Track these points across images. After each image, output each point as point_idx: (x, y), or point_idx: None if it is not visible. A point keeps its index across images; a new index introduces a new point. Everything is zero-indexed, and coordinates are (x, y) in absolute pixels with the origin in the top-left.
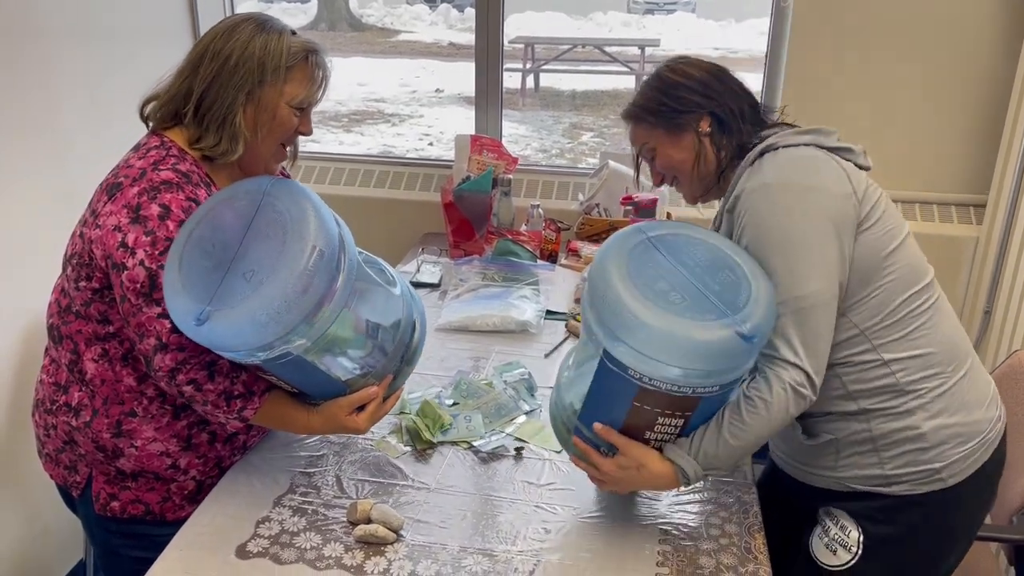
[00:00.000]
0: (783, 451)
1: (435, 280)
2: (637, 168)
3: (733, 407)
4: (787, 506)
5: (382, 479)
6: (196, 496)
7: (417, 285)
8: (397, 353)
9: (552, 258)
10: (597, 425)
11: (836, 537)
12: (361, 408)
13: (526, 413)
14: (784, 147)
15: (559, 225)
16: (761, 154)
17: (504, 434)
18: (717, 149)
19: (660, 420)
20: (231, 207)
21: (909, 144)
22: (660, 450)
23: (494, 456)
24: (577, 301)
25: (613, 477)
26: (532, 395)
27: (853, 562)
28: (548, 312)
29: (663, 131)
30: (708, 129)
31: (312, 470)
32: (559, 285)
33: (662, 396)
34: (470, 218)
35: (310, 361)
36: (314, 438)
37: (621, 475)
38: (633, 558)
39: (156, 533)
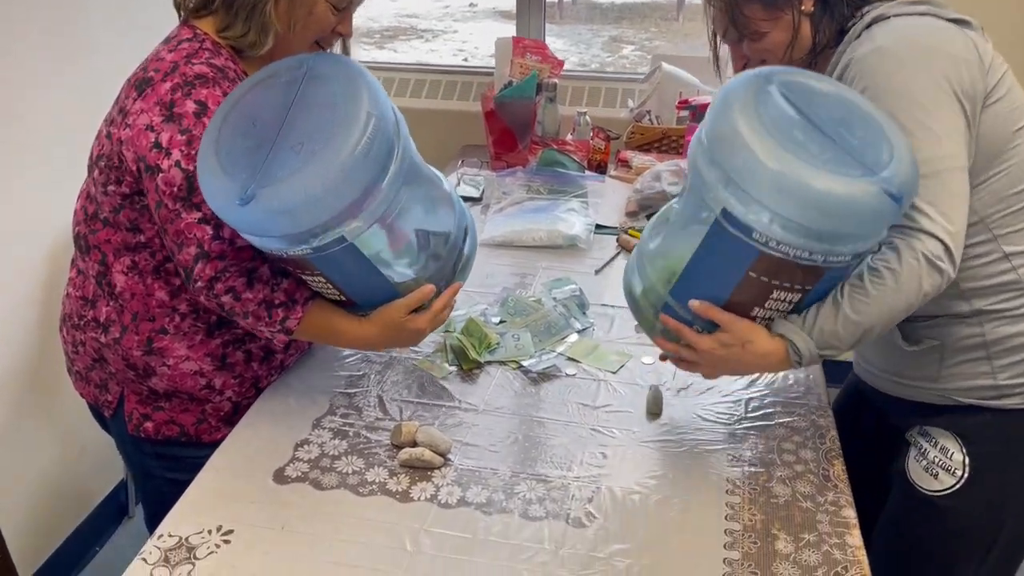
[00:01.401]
0: (874, 363)
1: (476, 194)
2: (715, 52)
3: (855, 280)
4: (871, 430)
5: (427, 400)
6: (232, 418)
7: None
8: (449, 260)
9: (601, 169)
10: (695, 302)
11: (936, 460)
12: (418, 311)
13: (578, 331)
14: (896, 16)
15: (608, 134)
16: (869, 25)
17: (555, 353)
18: (815, 31)
19: (775, 295)
20: (270, 86)
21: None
22: (768, 328)
23: (545, 376)
24: (629, 214)
25: (712, 356)
26: (584, 313)
27: (958, 486)
28: (598, 226)
29: (760, 6)
30: (811, 8)
31: (353, 390)
32: (609, 198)
33: (785, 265)
34: (513, 127)
35: (364, 255)
36: (354, 356)
37: (722, 353)
38: (700, 485)
39: (192, 455)
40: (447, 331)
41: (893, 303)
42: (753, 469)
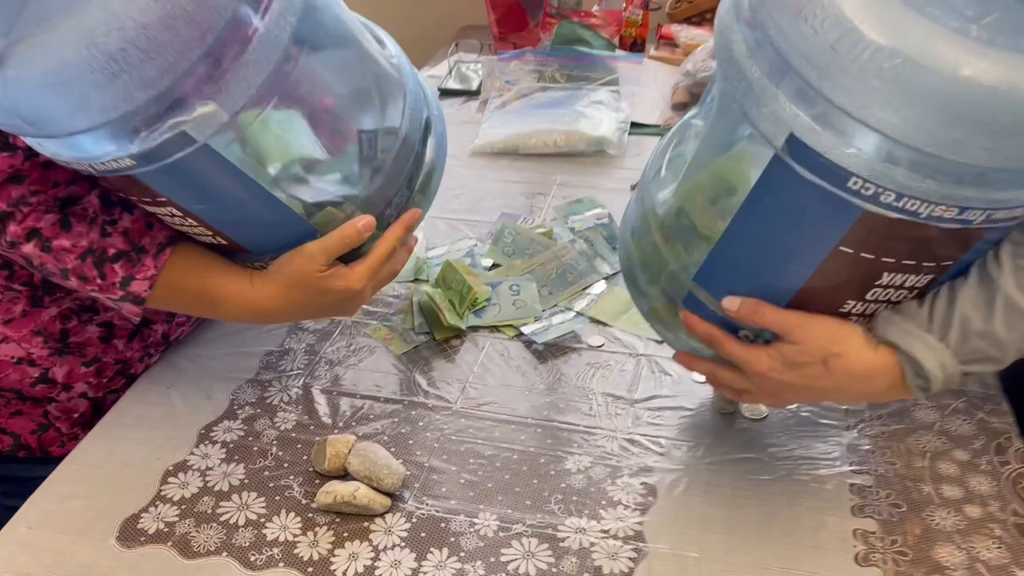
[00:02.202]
0: None
1: (472, 85)
2: None
3: (1022, 242)
4: None
5: (376, 394)
6: (93, 420)
7: (447, 93)
8: (399, 173)
9: (638, 48)
10: (733, 299)
11: None
12: (347, 258)
13: (606, 278)
14: None
15: (647, 1)
16: None
17: (573, 313)
18: None
19: (886, 278)
20: None
21: None
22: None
23: (557, 350)
24: (677, 107)
25: (771, 382)
26: (615, 249)
27: None
28: (634, 124)
29: None
30: None
31: (268, 376)
32: (648, 86)
33: (908, 229)
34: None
35: (233, 164)
36: (274, 324)
37: (788, 378)
38: (809, 548)
39: (37, 475)
40: (416, 280)
41: None
42: (894, 511)
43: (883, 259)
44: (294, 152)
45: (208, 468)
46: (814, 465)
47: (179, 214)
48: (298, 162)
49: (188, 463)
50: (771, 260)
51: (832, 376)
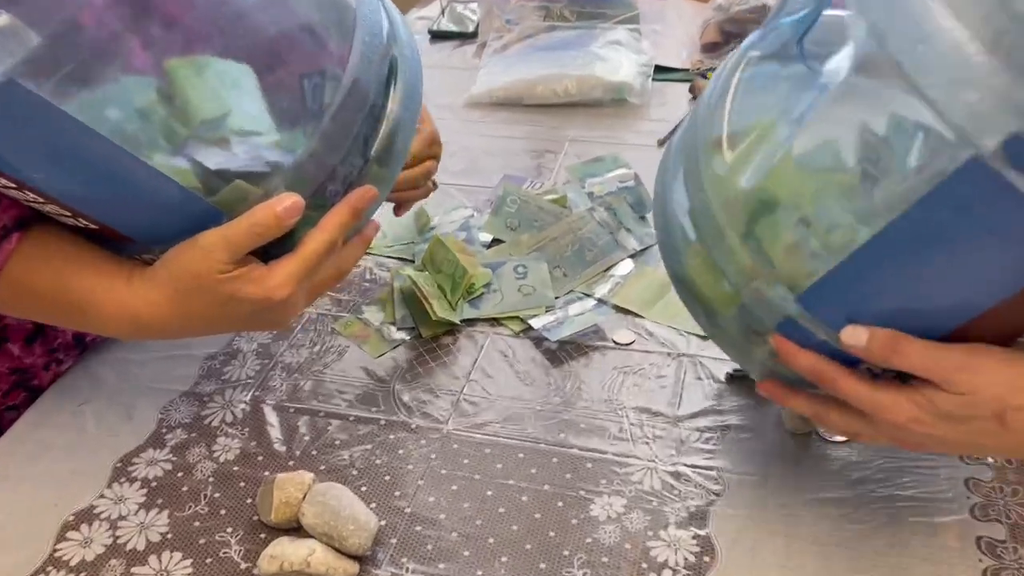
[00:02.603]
0: None
1: (468, 27)
2: None
3: None
4: None
5: (344, 411)
6: None
7: (438, 36)
8: (347, 130)
9: None
10: (860, 335)
11: None
12: (270, 253)
13: (633, 256)
14: None
15: None
16: None
17: (594, 302)
18: None
19: None
20: None
21: None
22: None
23: (575, 349)
24: (707, 48)
25: (911, 435)
26: (643, 218)
27: None
28: (657, 68)
29: None
30: None
31: (208, 387)
32: (673, 23)
33: None
34: None
35: (72, 113)
36: None
37: (941, 432)
38: None
39: None
40: (400, 259)
41: None
42: None
43: None
44: (183, 96)
45: (121, 517)
46: (924, 509)
47: (12, 185)
48: (192, 121)
49: (95, 510)
50: (934, 287)
51: (1011, 434)
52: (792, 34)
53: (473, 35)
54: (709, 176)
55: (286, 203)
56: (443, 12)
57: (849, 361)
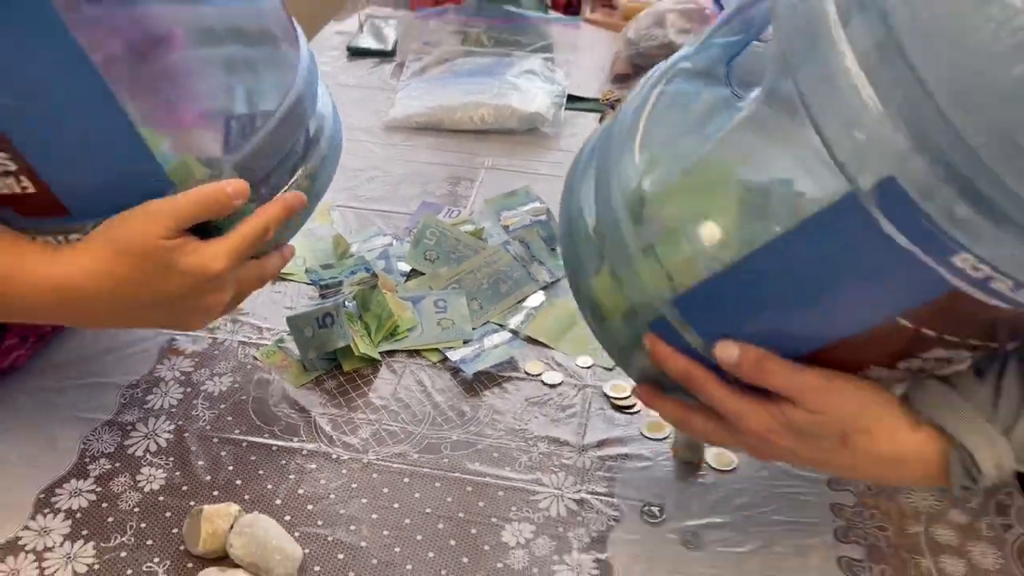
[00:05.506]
0: None
1: (386, 45)
2: None
3: None
4: None
5: (267, 441)
6: None
7: (357, 53)
8: (286, 137)
9: (573, 9)
10: (732, 346)
11: None
12: (208, 231)
13: (545, 288)
14: None
15: None
16: None
17: (509, 334)
18: None
19: (937, 352)
20: None
21: None
22: (906, 395)
23: (489, 379)
24: (618, 79)
25: (766, 445)
26: (555, 251)
27: None
28: (571, 98)
29: None
30: None
31: (129, 417)
32: (585, 53)
33: (987, 316)
34: None
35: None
36: (137, 342)
37: (792, 445)
38: None
39: None
40: (327, 285)
41: None
42: None
43: (946, 335)
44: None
45: (47, 548)
46: (795, 532)
47: None
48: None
49: (20, 542)
50: (796, 312)
51: (850, 455)
52: (722, 56)
53: (392, 53)
54: (616, 181)
55: (235, 185)
56: (361, 27)
57: (713, 369)
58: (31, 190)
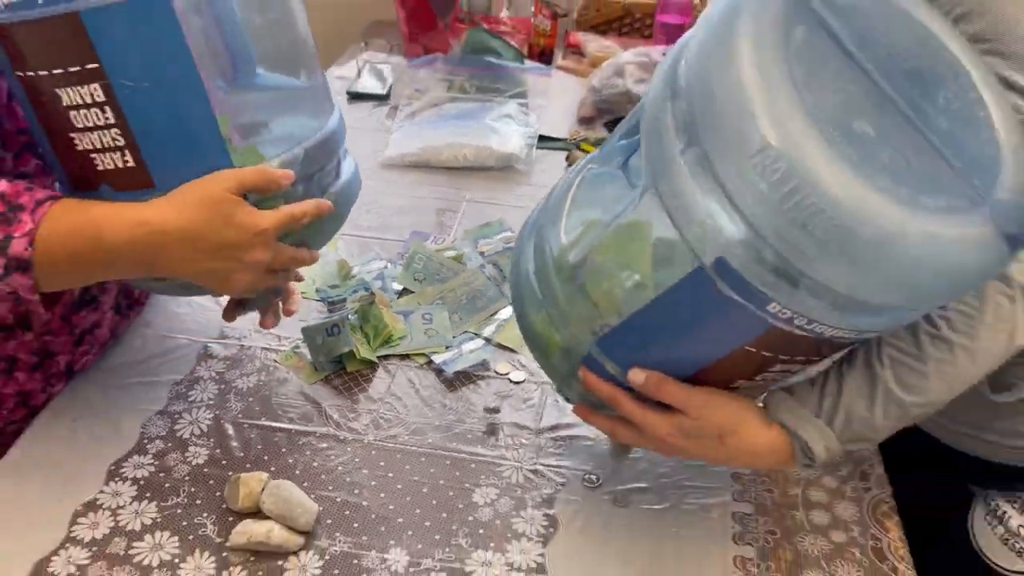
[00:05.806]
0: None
1: (382, 89)
2: None
3: (902, 341)
4: (929, 477)
5: (287, 426)
6: None
7: (356, 97)
8: (324, 155)
9: (546, 58)
10: (639, 373)
11: (1021, 532)
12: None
13: (512, 304)
14: None
15: (555, 10)
16: None
17: (483, 341)
18: None
19: (775, 368)
20: None
21: None
22: (756, 402)
23: (466, 378)
24: (583, 121)
25: (670, 447)
26: None
27: None
28: (541, 138)
29: None
30: None
31: (177, 408)
32: (556, 98)
33: (802, 341)
34: None
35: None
36: (181, 350)
37: (684, 444)
38: (694, 570)
39: None
40: (332, 301)
41: (969, 368)
42: (770, 537)
43: (780, 356)
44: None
45: (119, 507)
46: (702, 494)
47: (100, 98)
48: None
49: (98, 502)
50: (678, 346)
51: (726, 450)
52: (620, 155)
53: (387, 97)
54: (549, 248)
55: (283, 171)
56: (359, 73)
57: (628, 390)
58: (131, 165)
